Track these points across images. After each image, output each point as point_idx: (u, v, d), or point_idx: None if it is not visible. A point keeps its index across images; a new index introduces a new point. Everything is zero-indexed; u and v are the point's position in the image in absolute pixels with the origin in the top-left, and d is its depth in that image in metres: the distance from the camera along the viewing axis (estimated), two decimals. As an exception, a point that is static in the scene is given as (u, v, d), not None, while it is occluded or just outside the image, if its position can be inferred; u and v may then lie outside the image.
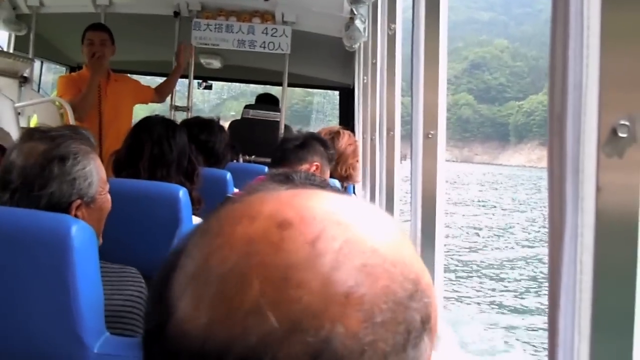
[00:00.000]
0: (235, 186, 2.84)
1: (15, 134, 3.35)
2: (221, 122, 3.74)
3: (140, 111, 4.84)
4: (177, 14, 5.11)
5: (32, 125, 5.02)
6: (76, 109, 4.13)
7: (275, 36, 5.07)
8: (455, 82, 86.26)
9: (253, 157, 5.20)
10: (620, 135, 0.58)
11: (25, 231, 1.48)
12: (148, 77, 7.10)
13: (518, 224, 22.92)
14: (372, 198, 3.85)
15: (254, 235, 0.48)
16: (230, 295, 0.46)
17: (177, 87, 5.15)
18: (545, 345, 0.66)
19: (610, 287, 0.60)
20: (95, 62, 4.20)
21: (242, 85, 10.60)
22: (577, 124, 0.59)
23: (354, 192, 4.66)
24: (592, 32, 0.57)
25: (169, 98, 5.12)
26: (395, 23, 2.80)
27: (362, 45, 4.53)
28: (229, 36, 5.09)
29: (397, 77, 2.84)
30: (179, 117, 5.10)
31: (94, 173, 1.62)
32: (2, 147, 2.44)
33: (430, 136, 1.73)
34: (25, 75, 4.81)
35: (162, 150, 2.30)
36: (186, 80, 5.31)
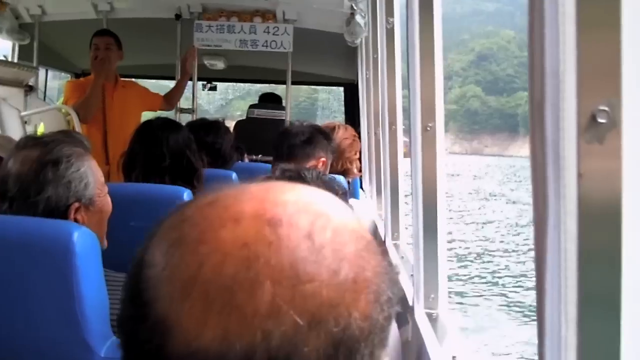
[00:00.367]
0: (242, 186, 2.84)
1: (21, 143, 3.37)
2: (227, 122, 3.74)
3: (148, 112, 4.86)
4: (178, 16, 5.12)
5: (39, 133, 5.07)
6: (79, 111, 4.15)
7: (277, 35, 5.08)
8: (462, 75, 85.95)
9: (260, 156, 5.21)
10: (600, 121, 0.58)
11: (28, 239, 1.49)
12: (152, 81, 7.13)
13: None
14: (379, 193, 3.85)
15: (246, 238, 0.47)
16: (241, 303, 0.45)
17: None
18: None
19: (594, 274, 0.60)
20: (97, 64, 4.22)
21: (247, 84, 10.60)
22: (556, 111, 0.59)
23: (361, 188, 4.66)
24: (567, 19, 0.57)
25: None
26: (393, 17, 2.79)
27: (363, 40, 4.53)
28: (231, 37, 5.10)
29: (397, 71, 2.84)
30: (184, 119, 5.12)
31: (89, 174, 1.63)
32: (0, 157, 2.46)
33: (428, 129, 1.72)
34: (30, 84, 4.84)
35: (154, 157, 2.32)
36: (190, 82, 5.33)
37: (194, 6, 5.04)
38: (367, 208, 3.73)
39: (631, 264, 0.59)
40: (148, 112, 4.80)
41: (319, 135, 2.70)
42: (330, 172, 2.93)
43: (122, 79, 4.60)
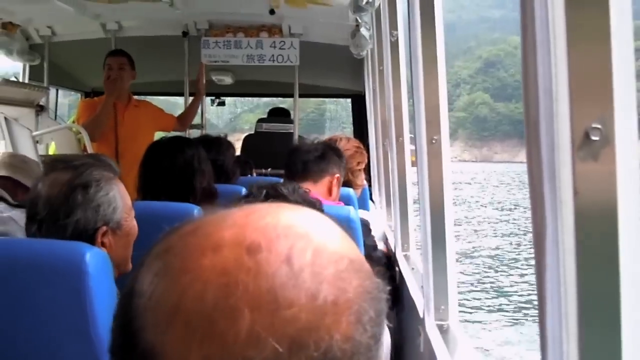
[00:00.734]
0: (250, 201, 2.86)
1: (33, 163, 3.41)
2: (236, 135, 3.76)
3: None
4: (185, 33, 5.18)
5: (50, 152, 5.12)
6: (87, 129, 4.20)
7: (284, 49, 5.11)
8: (470, 82, 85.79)
9: (269, 170, 5.23)
10: (593, 138, 0.59)
11: (41, 260, 1.51)
12: (161, 98, 7.18)
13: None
14: (388, 204, 3.86)
15: (226, 265, 0.47)
16: (222, 331, 0.45)
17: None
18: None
19: (593, 289, 0.61)
20: (109, 84, 4.27)
21: (255, 98, 10.67)
22: (550, 129, 0.60)
23: (370, 199, 4.67)
24: (558, 38, 0.59)
25: (183, 117, 5.18)
26: (397, 30, 2.81)
27: (369, 52, 4.55)
28: (238, 52, 5.14)
29: (402, 83, 2.85)
30: (194, 135, 5.16)
31: (117, 198, 1.65)
32: (26, 187, 2.51)
33: (434, 141, 1.73)
34: (41, 103, 4.90)
35: (157, 178, 2.37)
36: (199, 98, 5.37)
37: (200, 23, 5.09)
38: (377, 219, 3.73)
39: (628, 276, 0.60)
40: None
41: (331, 152, 2.71)
42: None
43: (136, 97, 4.64)
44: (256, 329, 0.45)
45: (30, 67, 5.27)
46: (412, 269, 2.68)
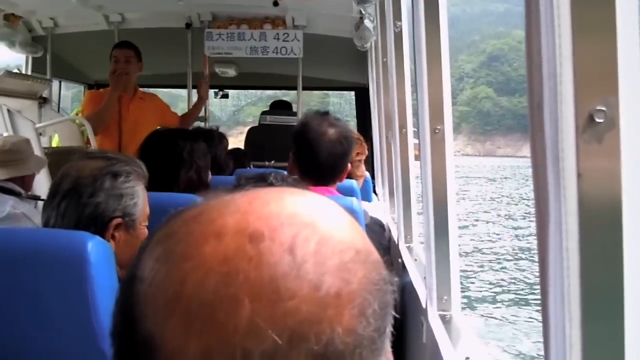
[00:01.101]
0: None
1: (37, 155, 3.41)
2: (240, 128, 3.76)
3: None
4: (189, 25, 5.17)
5: (53, 144, 5.12)
6: (90, 122, 4.20)
7: (287, 41, 5.10)
8: (473, 76, 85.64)
9: (272, 162, 5.24)
10: (598, 120, 0.58)
11: (42, 249, 1.51)
12: (165, 90, 7.18)
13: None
14: (392, 195, 3.85)
15: (228, 254, 0.46)
16: (221, 320, 0.44)
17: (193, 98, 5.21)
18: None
19: (597, 273, 0.60)
20: (115, 78, 4.27)
21: (259, 90, 10.66)
22: (554, 112, 0.59)
23: (374, 192, 4.67)
24: (562, 20, 0.58)
25: (185, 109, 5.19)
26: (400, 20, 2.80)
27: (373, 44, 4.54)
28: (241, 44, 5.13)
29: (406, 75, 2.84)
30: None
31: (140, 196, 1.68)
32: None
33: (437, 131, 1.73)
34: (44, 95, 4.90)
35: (153, 171, 2.37)
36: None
37: (204, 15, 5.08)
38: (379, 211, 3.73)
39: (633, 261, 0.59)
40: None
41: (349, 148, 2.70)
42: None
43: (142, 89, 4.63)
44: (256, 320, 0.44)
45: (33, 59, 5.27)
46: (415, 260, 2.67)
